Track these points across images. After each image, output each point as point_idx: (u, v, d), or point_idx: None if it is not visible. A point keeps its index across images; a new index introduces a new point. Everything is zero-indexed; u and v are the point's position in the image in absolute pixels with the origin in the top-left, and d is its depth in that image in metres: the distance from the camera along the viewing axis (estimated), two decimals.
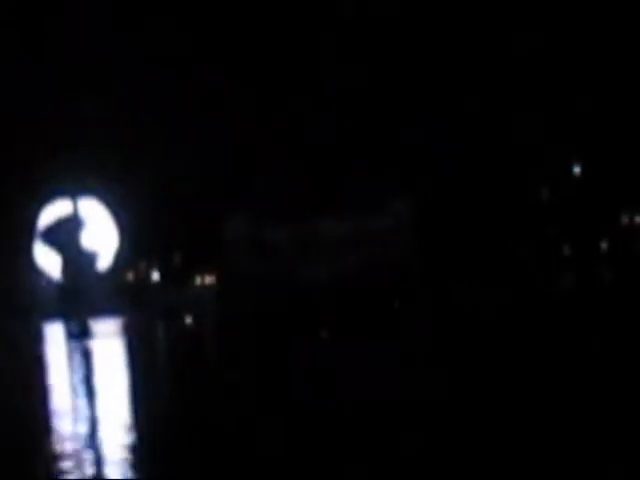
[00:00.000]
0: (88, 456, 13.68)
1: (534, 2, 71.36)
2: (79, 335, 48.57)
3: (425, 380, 19.96)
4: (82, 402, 20.12)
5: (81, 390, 22.66)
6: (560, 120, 71.40)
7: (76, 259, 79.16)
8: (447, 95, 72.08)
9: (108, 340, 43.46)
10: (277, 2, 73.86)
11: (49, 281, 78.31)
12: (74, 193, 79.00)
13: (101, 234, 79.70)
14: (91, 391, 22.09)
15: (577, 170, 74.22)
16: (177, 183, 75.09)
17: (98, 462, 13.31)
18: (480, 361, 22.54)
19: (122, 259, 79.18)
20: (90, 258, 79.39)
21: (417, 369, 22.18)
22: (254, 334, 39.75)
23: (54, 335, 53.10)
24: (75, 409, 18.96)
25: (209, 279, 75.95)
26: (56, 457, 13.74)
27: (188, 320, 56.47)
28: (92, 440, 15.04)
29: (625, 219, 73.32)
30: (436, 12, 72.17)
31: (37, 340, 47.76)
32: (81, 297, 74.78)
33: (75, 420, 17.38)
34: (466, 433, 13.53)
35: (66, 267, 78.98)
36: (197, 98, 72.55)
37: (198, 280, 76.95)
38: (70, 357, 34.43)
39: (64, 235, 79.15)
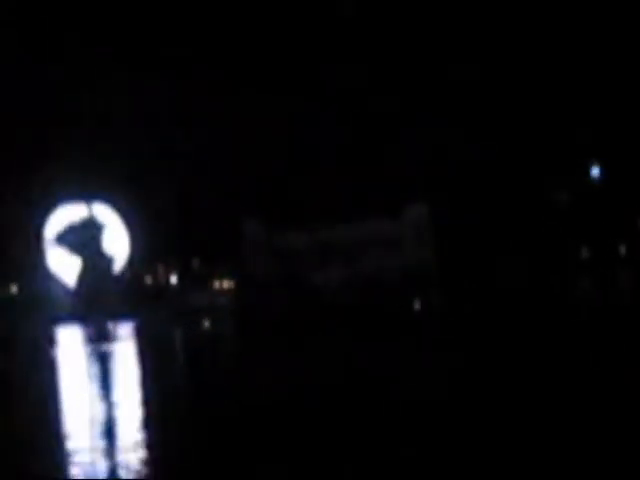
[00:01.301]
0: (102, 459, 13.80)
1: (545, 2, 71.09)
2: (99, 339, 48.71)
3: (444, 380, 20.01)
4: (100, 405, 20.21)
5: (100, 393, 22.76)
6: (578, 124, 71.17)
7: (96, 262, 79.31)
8: (464, 99, 71.98)
9: (126, 343, 43.61)
10: (277, 2, 73.89)
11: (62, 284, 78.36)
12: (87, 197, 79.01)
13: (113, 238, 79.82)
14: (109, 393, 22.19)
15: (595, 173, 73.97)
16: (196, 188, 75.28)
17: (112, 465, 13.44)
18: (496, 362, 22.55)
19: (134, 263, 79.27)
20: (108, 261, 79.60)
21: (436, 371, 22.20)
22: (272, 337, 39.78)
23: (70, 339, 53.27)
24: (92, 412, 19.07)
25: (227, 283, 76.04)
26: (67, 459, 13.87)
27: (206, 324, 56.52)
28: (108, 442, 15.14)
29: None
30: (443, 15, 72.12)
31: (53, 344, 47.92)
32: (101, 300, 74.90)
33: (91, 422, 17.49)
34: (479, 430, 13.58)
35: (85, 270, 79.09)
36: (212, 103, 72.70)
37: (216, 284, 77.02)
38: (89, 360, 34.53)
39: (83, 238, 79.26)
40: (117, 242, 79.74)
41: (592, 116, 70.93)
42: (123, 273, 79.35)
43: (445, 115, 71.29)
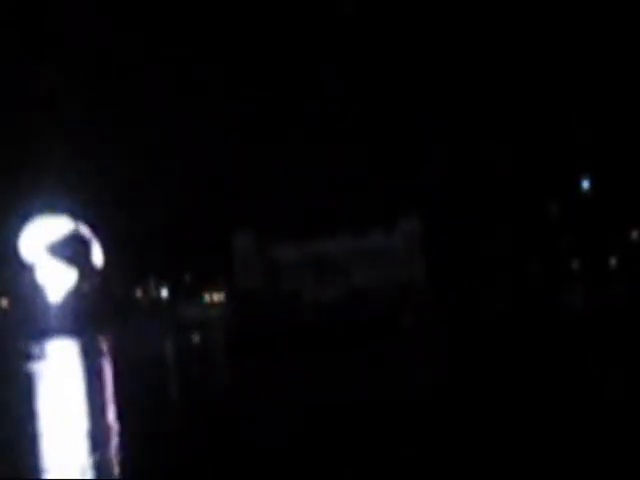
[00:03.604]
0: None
1: (551, 9, 71.16)
2: (86, 353, 48.55)
3: (438, 395, 19.93)
4: (83, 420, 20.05)
5: (84, 408, 22.59)
6: (568, 136, 71.29)
7: (88, 276, 79.10)
8: (456, 110, 72.06)
9: (115, 357, 43.44)
10: (277, 7, 73.93)
11: (51, 298, 77.93)
12: (72, 210, 78.42)
13: (98, 252, 79.49)
14: (95, 408, 22.03)
15: (585, 185, 74.05)
16: (187, 202, 75.20)
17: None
18: (487, 376, 22.48)
19: (122, 277, 79.02)
20: (97, 275, 79.38)
21: (428, 386, 22.10)
22: (263, 351, 39.66)
23: (60, 353, 53.03)
24: (74, 427, 18.90)
25: (218, 296, 75.94)
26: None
27: (197, 337, 56.37)
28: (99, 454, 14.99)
29: (635, 235, 73.03)
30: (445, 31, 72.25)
31: (38, 358, 47.69)
32: (91, 314, 74.70)
33: (73, 439, 17.33)
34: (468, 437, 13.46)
35: (80, 283, 78.81)
36: (205, 114, 72.69)
37: (207, 297, 76.92)
38: (78, 375, 34.36)
39: (76, 251, 78.94)
40: (103, 256, 79.44)
41: (583, 128, 71.05)
42: (112, 287, 79.12)
43: (438, 129, 71.38)
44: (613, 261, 71.18)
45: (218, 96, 72.99)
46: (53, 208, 78.09)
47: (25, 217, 77.03)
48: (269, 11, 74.19)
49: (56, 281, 78.69)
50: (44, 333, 69.13)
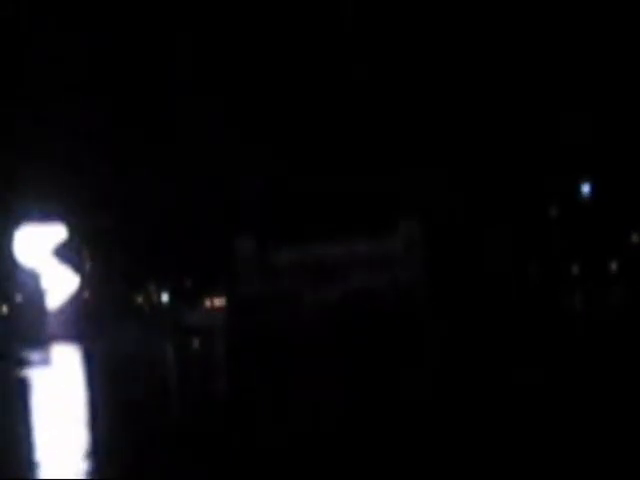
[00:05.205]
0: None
1: (552, 10, 71.25)
2: (88, 358, 48.53)
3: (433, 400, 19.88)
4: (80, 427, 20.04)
5: (82, 412, 22.58)
6: (569, 138, 71.32)
7: (90, 281, 79.17)
8: (456, 113, 72.11)
9: (115, 363, 43.43)
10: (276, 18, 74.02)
11: (48, 303, 77.61)
12: (72, 215, 78.16)
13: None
14: (93, 415, 22.02)
15: (586, 189, 74.07)
16: (187, 206, 75.20)
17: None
18: (487, 381, 22.43)
19: (119, 282, 78.91)
20: (95, 280, 79.33)
21: (428, 392, 22.05)
22: (263, 356, 39.63)
23: (61, 358, 53.03)
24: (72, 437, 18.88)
25: (218, 301, 75.90)
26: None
27: (196, 342, 56.36)
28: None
29: (635, 238, 73.02)
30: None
31: (44, 364, 47.71)
32: (92, 319, 74.73)
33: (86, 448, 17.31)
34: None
35: (82, 288, 78.79)
36: (206, 119, 72.72)
37: (207, 302, 76.90)
38: (84, 380, 34.36)
39: (77, 256, 78.96)
40: (103, 262, 79.41)
41: (583, 131, 71.09)
42: (112, 293, 79.13)
43: (438, 130, 71.44)
44: (613, 265, 71.17)
45: (219, 101, 73.05)
46: (52, 214, 78.03)
47: (23, 223, 76.97)
48: (269, 15, 74.35)
49: (58, 286, 78.65)
50: (45, 339, 69.12)
